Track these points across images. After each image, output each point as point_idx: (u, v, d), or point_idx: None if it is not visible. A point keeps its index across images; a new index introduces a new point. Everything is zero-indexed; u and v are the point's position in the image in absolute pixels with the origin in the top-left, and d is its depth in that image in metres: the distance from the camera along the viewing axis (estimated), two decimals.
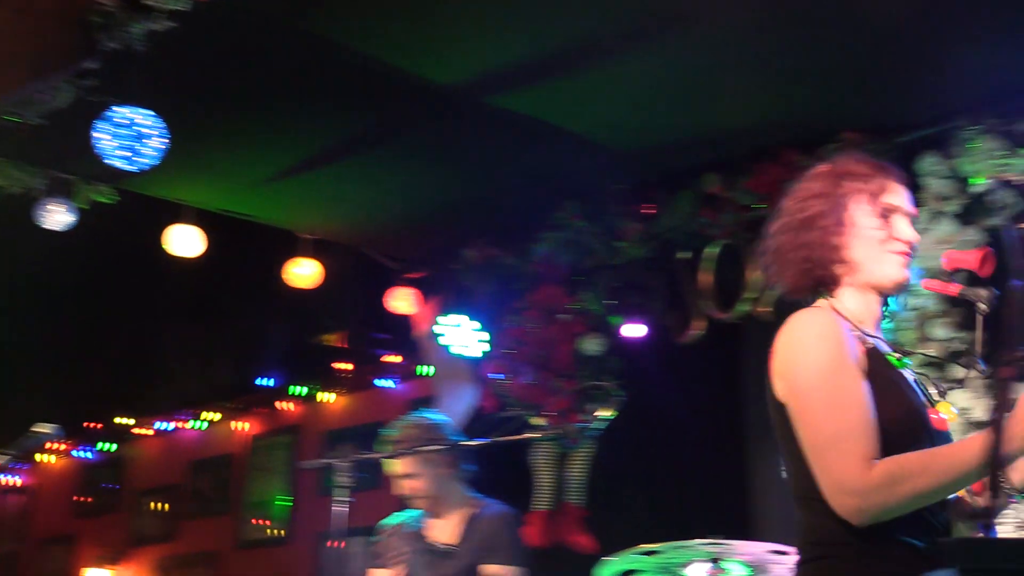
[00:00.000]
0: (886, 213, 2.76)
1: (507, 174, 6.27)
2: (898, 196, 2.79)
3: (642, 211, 6.31)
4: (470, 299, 6.92)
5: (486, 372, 6.79)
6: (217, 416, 10.43)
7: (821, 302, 2.75)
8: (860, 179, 2.80)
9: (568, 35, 5.02)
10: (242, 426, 10.22)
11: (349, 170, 6.28)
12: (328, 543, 8.14)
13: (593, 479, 6.49)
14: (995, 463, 2.18)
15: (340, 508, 4.22)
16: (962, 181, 5.44)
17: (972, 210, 5.35)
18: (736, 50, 5.11)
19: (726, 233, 6.13)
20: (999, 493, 2.19)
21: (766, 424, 6.19)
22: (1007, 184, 2.60)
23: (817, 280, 2.76)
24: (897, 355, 2.73)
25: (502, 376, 6.65)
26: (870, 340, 2.67)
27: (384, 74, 5.24)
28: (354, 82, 5.35)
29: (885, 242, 2.72)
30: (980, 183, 5.27)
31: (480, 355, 6.87)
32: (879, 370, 2.59)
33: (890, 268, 2.74)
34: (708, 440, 6.26)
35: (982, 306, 2.82)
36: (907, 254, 2.75)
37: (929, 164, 5.50)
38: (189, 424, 10.66)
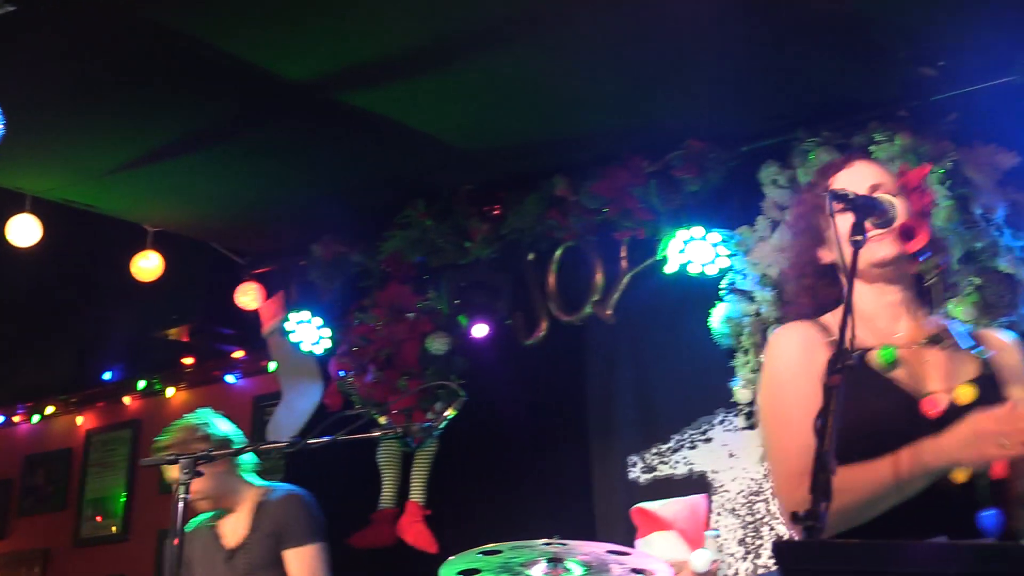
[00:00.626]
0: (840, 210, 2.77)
1: (356, 171, 6.25)
2: (851, 180, 2.84)
3: (490, 212, 6.35)
4: (317, 296, 6.88)
5: (331, 369, 6.75)
6: (53, 410, 10.16)
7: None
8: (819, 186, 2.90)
9: (420, 34, 5.01)
10: (80, 420, 9.99)
11: (197, 163, 6.18)
12: (169, 540, 8.01)
13: (436, 478, 6.51)
14: (820, 467, 2.24)
15: (181, 505, 4.17)
16: (801, 191, 5.59)
17: (801, 221, 5.49)
18: (586, 56, 5.17)
19: (572, 236, 6.20)
20: (825, 496, 2.23)
21: (608, 426, 6.31)
22: (841, 196, 2.67)
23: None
24: (902, 346, 2.72)
25: (347, 374, 6.62)
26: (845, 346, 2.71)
27: (234, 68, 5.18)
28: (203, 75, 5.27)
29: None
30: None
31: (326, 352, 6.83)
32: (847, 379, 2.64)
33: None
34: (551, 441, 6.33)
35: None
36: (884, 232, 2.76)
37: (770, 174, 5.64)
38: (23, 418, 10.38)
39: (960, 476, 2.50)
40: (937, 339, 2.74)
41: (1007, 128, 5.05)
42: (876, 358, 2.70)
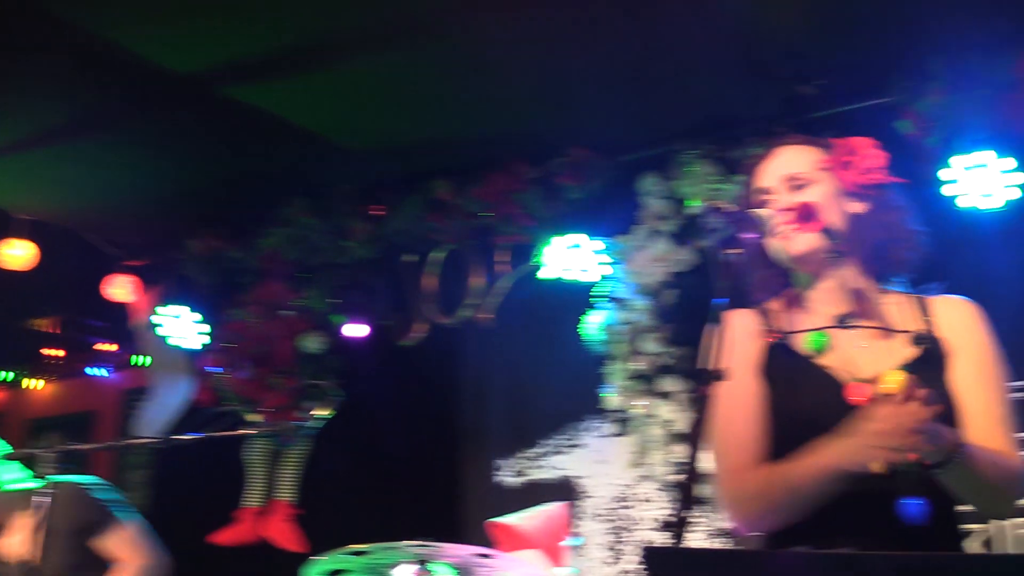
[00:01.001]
0: (759, 205, 2.80)
1: (237, 166, 6.18)
2: (768, 172, 2.83)
3: (371, 212, 6.32)
4: (191, 290, 6.78)
5: (204, 365, 6.66)
6: None
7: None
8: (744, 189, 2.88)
9: (306, 32, 4.97)
10: None
11: (72, 152, 6.05)
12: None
13: (306, 478, 6.46)
14: (689, 475, 2.27)
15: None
16: (679, 202, 5.68)
17: (687, 231, 5.58)
18: (471, 60, 5.18)
19: (453, 239, 6.20)
20: (691, 504, 2.25)
21: (480, 429, 6.32)
22: (717, 210, 2.70)
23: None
24: (835, 331, 2.70)
25: (220, 370, 6.54)
26: (779, 334, 2.70)
27: (113, 56, 5.08)
28: (81, 62, 5.16)
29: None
30: (695, 205, 5.50)
31: (199, 347, 6.74)
32: (777, 367, 2.64)
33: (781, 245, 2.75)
34: (423, 443, 6.32)
35: None
36: (790, 223, 2.73)
37: (649, 184, 5.71)
38: None
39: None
40: (849, 318, 2.72)
41: (880, 148, 5.15)
42: (805, 344, 2.71)
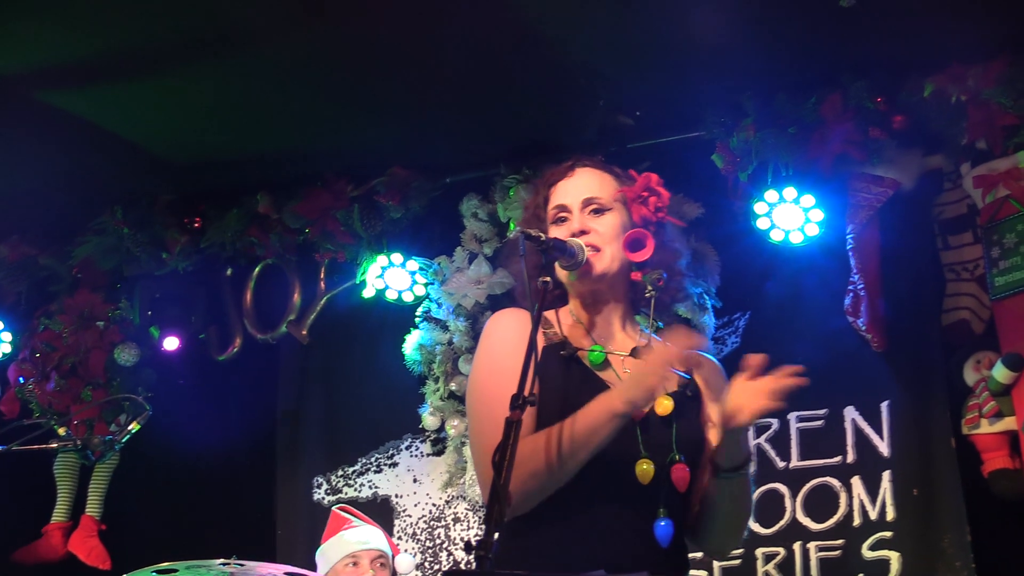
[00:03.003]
0: (554, 220, 2.90)
1: (51, 172, 6.01)
2: (567, 190, 2.92)
3: (190, 224, 6.23)
4: (2, 297, 6.59)
5: (10, 375, 6.47)
6: None
7: None
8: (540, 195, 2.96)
9: (127, 40, 4.89)
10: None
11: None
12: None
13: (116, 493, 6.32)
14: (495, 498, 2.31)
15: None
16: (499, 225, 5.75)
17: (506, 254, 5.65)
18: (294, 75, 5.17)
19: (273, 254, 6.16)
20: (498, 526, 2.29)
21: (296, 446, 6.28)
22: (532, 238, 2.75)
23: None
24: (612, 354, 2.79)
25: (27, 380, 6.35)
26: (557, 337, 2.78)
27: None
28: None
29: None
30: (514, 230, 5.57)
31: (4, 357, 6.54)
32: (552, 367, 2.71)
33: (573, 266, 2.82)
34: (238, 459, 6.26)
35: None
36: (588, 246, 2.83)
37: (471, 206, 5.78)
38: None
39: (644, 479, 2.63)
40: (636, 352, 2.82)
41: (694, 180, 5.31)
42: (587, 358, 2.80)
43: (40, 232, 6.51)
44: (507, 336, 2.79)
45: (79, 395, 6.25)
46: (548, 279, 2.70)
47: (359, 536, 4.83)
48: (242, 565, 3.98)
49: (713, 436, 2.76)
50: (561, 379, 2.71)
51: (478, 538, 2.28)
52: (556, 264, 2.81)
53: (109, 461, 6.23)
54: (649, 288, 2.84)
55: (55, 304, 6.44)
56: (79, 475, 6.36)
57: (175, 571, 3.95)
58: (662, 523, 2.64)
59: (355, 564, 4.75)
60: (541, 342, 2.77)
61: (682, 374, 2.76)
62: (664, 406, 2.71)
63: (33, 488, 6.38)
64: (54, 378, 6.30)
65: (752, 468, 2.69)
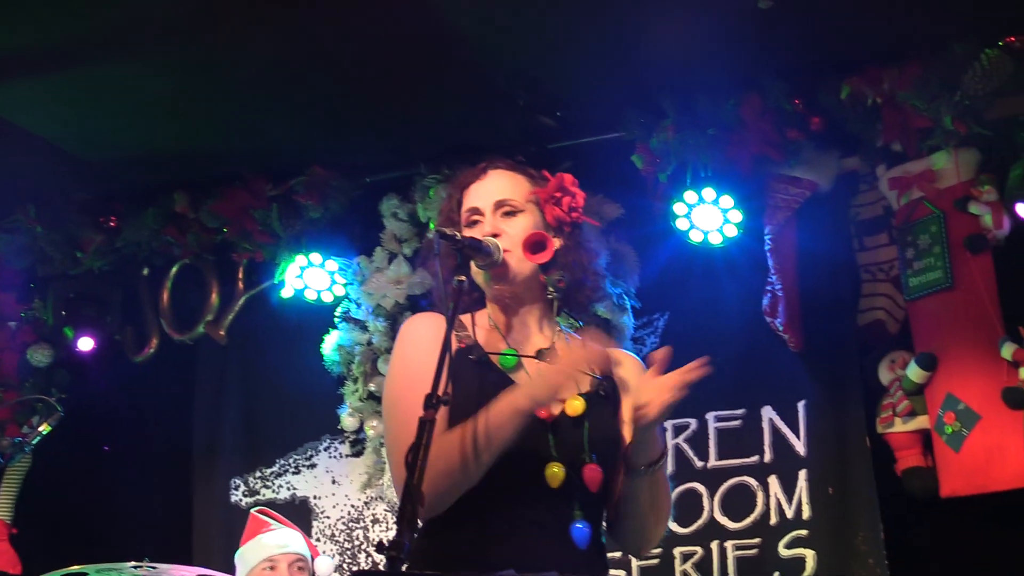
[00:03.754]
0: (468, 223, 2.88)
1: None
2: (479, 193, 2.90)
3: (105, 223, 6.14)
4: None
5: None
6: None
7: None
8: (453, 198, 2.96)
9: (40, 35, 4.82)
10: None
11: None
12: None
13: (27, 496, 6.20)
14: (408, 499, 2.30)
15: None
16: (419, 225, 5.73)
17: (425, 254, 5.63)
18: (214, 73, 5.12)
19: (190, 253, 6.09)
20: (411, 528, 2.27)
21: (213, 447, 6.21)
22: (448, 237, 2.74)
23: None
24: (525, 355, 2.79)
25: None
26: (470, 340, 2.77)
27: None
28: None
29: None
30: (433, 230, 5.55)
31: None
32: (461, 369, 2.68)
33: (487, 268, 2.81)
34: (154, 460, 6.18)
35: None
36: (502, 248, 2.80)
37: (391, 206, 5.75)
38: None
39: (554, 481, 2.62)
40: (542, 355, 2.80)
41: (614, 181, 5.33)
42: (499, 361, 2.78)
43: None
44: (421, 339, 2.77)
45: None
46: (463, 279, 2.69)
47: (277, 539, 4.78)
48: (154, 568, 3.94)
49: (628, 434, 2.76)
50: (473, 382, 2.69)
51: (391, 539, 2.25)
52: (472, 264, 2.79)
53: (20, 463, 6.11)
54: (551, 290, 2.82)
55: None
56: None
57: (85, 575, 3.90)
58: (578, 525, 2.64)
59: (272, 568, 4.69)
60: (455, 345, 2.76)
61: (595, 374, 2.76)
62: (574, 407, 2.70)
63: None
64: None
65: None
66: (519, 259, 2.81)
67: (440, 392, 2.43)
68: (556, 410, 2.68)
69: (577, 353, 2.69)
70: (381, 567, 2.23)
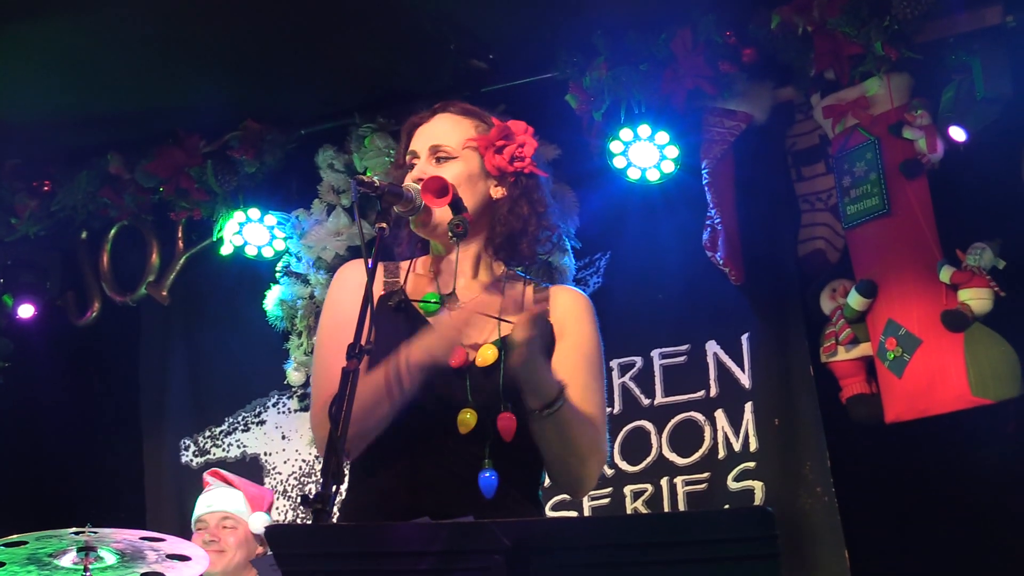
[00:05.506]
0: (408, 166, 2.85)
1: None
2: (420, 136, 2.87)
3: (39, 188, 6.06)
4: None
5: None
6: None
7: None
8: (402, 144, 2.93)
9: None
10: None
11: None
12: None
13: None
14: (332, 450, 2.28)
15: None
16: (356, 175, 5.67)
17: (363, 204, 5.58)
18: (139, 30, 5.05)
19: (127, 215, 6.02)
20: (336, 480, 2.25)
21: (161, 409, 6.16)
22: (366, 184, 2.70)
23: None
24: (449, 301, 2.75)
25: None
26: (396, 286, 2.77)
27: None
28: None
29: None
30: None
31: None
32: (383, 317, 2.67)
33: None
34: (101, 425, 6.16)
35: None
36: (423, 193, 2.74)
37: (327, 157, 5.69)
38: None
39: (464, 428, 2.60)
40: (443, 300, 2.76)
41: (550, 121, 5.28)
42: (418, 304, 2.76)
43: None
44: (344, 287, 2.77)
45: None
46: (384, 225, 2.65)
47: (206, 500, 4.86)
48: (96, 532, 3.93)
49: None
50: (389, 328, 2.67)
51: (315, 492, 2.24)
52: (394, 209, 2.76)
53: None
54: (450, 235, 2.78)
55: None
56: None
57: (25, 543, 3.88)
58: (486, 474, 2.60)
59: (203, 528, 4.76)
60: (380, 291, 2.74)
61: (508, 320, 2.70)
62: (484, 356, 2.67)
63: None
64: None
65: (563, 402, 2.61)
66: (441, 204, 2.77)
67: (363, 341, 2.40)
68: (466, 359, 2.65)
69: (481, 299, 2.66)
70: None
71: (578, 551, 2.08)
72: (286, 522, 5.49)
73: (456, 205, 2.77)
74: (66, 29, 5.04)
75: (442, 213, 2.77)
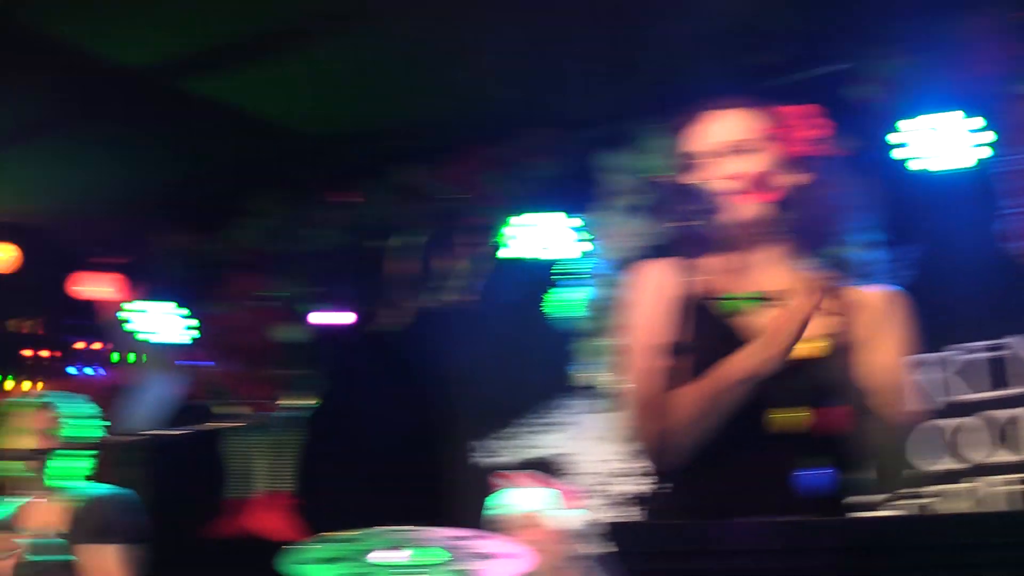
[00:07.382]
0: (696, 167, 2.83)
1: (203, 159, 6.15)
2: (708, 136, 2.83)
3: (343, 200, 6.31)
4: (167, 285, 6.77)
5: (186, 359, 6.66)
6: None
7: None
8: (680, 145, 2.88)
9: (262, 20, 4.97)
10: None
11: (40, 152, 6.04)
12: None
13: (295, 466, 6.45)
14: (652, 450, 2.30)
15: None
16: (647, 176, 5.69)
17: (655, 204, 5.58)
18: (433, 44, 5.20)
19: (426, 222, 6.20)
20: (663, 479, 2.28)
21: (461, 413, 6.25)
22: (662, 183, 2.70)
23: None
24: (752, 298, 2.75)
25: (203, 364, 6.53)
26: (699, 285, 2.69)
27: (72, 55, 5.07)
28: (41, 63, 5.15)
29: None
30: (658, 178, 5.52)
31: (180, 342, 6.74)
32: (687, 316, 2.60)
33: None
34: (403, 428, 6.34)
35: None
36: (735, 191, 2.74)
37: (620, 160, 5.71)
38: None
39: (791, 426, 2.57)
40: (766, 298, 2.72)
41: (841, 112, 5.13)
42: (728, 305, 2.74)
43: (200, 218, 6.67)
44: (647, 287, 2.77)
45: (252, 374, 6.39)
46: (690, 224, 2.65)
47: (517, 498, 4.88)
48: (417, 531, 4.06)
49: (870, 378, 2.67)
50: (697, 328, 2.66)
51: (642, 494, 2.28)
52: (697, 209, 2.75)
53: (291, 436, 6.35)
54: (758, 231, 2.75)
55: (221, 288, 6.59)
56: (257, 451, 6.51)
57: (354, 540, 4.04)
58: (811, 472, 2.57)
59: (516, 526, 4.82)
60: (683, 291, 2.75)
61: (830, 316, 2.65)
62: (809, 352, 2.62)
63: (215, 466, 6.55)
64: (227, 360, 6.44)
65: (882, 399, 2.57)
66: (745, 200, 2.75)
67: (669, 341, 2.42)
68: (798, 352, 2.62)
69: (798, 295, 2.59)
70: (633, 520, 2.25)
71: (926, 550, 2.05)
72: (631, 520, 5.50)
73: (762, 198, 2.76)
74: (360, 45, 5.23)
75: (748, 209, 2.77)
